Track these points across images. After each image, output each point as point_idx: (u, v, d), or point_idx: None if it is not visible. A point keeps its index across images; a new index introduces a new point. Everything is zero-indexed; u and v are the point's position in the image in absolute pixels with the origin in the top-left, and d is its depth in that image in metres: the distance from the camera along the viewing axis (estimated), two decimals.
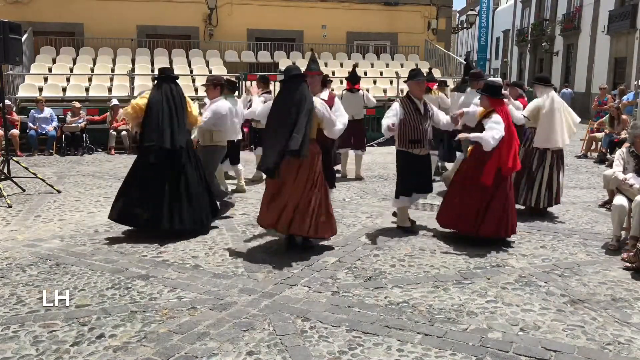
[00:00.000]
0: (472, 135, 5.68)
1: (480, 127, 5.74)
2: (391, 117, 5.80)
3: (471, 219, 5.64)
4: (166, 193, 5.74)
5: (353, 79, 9.55)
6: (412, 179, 6.04)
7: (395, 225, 6.32)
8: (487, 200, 5.58)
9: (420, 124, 5.91)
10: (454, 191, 5.89)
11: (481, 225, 5.60)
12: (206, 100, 7.13)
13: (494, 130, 5.47)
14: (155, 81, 6.12)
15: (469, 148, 5.92)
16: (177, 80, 6.12)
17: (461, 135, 5.91)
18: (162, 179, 5.77)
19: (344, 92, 9.60)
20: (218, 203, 6.36)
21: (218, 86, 6.66)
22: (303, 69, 5.68)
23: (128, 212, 5.80)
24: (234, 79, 9.78)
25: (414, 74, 6.07)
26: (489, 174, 5.49)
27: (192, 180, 5.91)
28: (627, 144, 6.08)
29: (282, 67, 16.93)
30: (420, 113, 5.92)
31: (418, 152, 5.98)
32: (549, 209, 7.01)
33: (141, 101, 5.90)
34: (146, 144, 5.73)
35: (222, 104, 6.52)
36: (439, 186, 8.51)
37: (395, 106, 5.97)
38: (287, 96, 5.19)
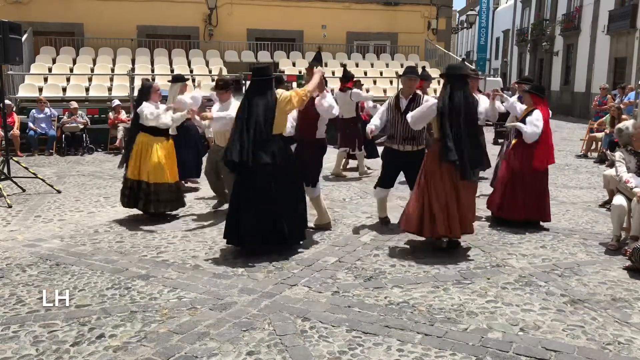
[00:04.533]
0: (518, 124, 6.33)
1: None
2: (374, 120, 6.20)
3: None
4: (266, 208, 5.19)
5: (342, 79, 9.74)
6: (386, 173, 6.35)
7: (395, 225, 6.34)
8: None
9: (396, 120, 6.10)
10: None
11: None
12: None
13: (534, 127, 6.13)
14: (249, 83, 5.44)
15: (513, 141, 6.50)
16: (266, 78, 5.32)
17: (509, 125, 6.80)
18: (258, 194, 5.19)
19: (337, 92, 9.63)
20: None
21: (228, 89, 6.65)
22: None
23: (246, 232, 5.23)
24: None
25: (406, 71, 6.27)
26: (541, 161, 6.33)
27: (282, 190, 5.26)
28: None
29: (282, 67, 16.95)
30: (399, 110, 6.06)
31: (396, 147, 6.15)
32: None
33: None
34: (222, 159, 5.28)
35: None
36: None
37: (382, 108, 6.28)
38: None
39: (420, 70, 9.17)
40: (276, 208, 5.21)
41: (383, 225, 6.37)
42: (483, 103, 7.13)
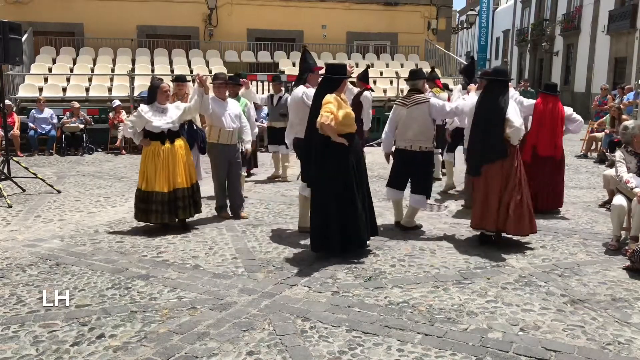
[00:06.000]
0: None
1: None
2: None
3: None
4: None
5: (361, 78, 9.74)
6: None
7: (396, 226, 6.34)
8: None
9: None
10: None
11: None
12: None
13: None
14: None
15: None
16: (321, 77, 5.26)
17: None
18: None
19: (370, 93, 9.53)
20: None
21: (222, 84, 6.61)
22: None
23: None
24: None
25: (421, 74, 6.31)
26: (526, 152, 6.82)
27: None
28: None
29: (282, 67, 16.95)
30: None
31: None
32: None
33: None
34: None
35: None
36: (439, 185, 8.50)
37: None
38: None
39: (428, 71, 9.23)
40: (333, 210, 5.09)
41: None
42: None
